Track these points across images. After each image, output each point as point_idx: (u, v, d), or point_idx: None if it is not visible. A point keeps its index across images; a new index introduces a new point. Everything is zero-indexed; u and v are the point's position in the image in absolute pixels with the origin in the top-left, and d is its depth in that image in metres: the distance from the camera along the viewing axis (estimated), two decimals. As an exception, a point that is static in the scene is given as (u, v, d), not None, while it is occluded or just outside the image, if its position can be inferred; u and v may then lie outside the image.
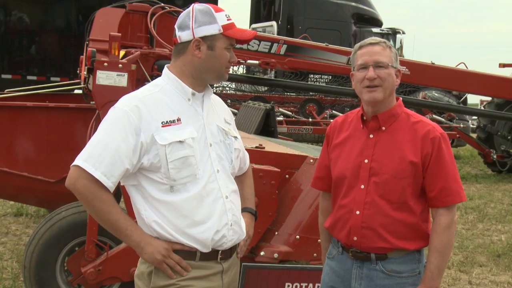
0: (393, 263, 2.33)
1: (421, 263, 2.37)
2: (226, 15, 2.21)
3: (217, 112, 2.34)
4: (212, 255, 2.22)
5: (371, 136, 2.36)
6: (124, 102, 2.16)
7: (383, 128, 2.35)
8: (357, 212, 2.32)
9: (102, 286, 3.85)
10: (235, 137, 2.37)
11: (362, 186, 2.32)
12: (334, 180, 2.44)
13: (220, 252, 2.23)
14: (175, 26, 2.24)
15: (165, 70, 2.28)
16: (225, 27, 2.19)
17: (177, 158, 2.13)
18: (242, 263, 3.50)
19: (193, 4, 2.23)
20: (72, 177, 2.10)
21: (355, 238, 2.33)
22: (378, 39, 2.37)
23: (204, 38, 2.18)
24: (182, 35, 2.20)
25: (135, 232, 2.15)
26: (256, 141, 4.42)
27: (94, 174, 2.07)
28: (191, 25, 2.18)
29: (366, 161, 2.33)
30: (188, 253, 2.18)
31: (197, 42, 2.18)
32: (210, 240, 2.19)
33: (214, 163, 2.22)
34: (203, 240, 2.18)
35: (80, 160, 2.09)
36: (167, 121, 2.15)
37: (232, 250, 2.30)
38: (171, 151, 2.12)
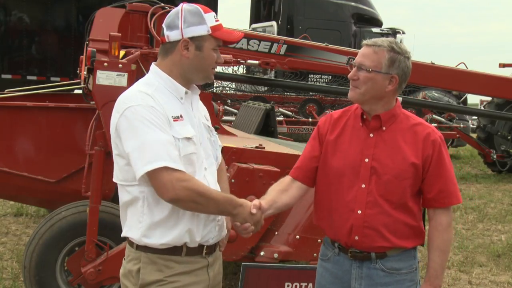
0: (391, 261, 2.35)
1: (416, 259, 2.43)
2: (214, 16, 2.23)
3: (199, 109, 2.36)
4: (198, 250, 2.23)
5: (371, 135, 2.36)
6: (142, 99, 2.11)
7: (384, 128, 2.35)
8: (359, 212, 2.32)
9: (102, 286, 3.85)
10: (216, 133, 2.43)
11: (363, 186, 2.32)
12: (329, 176, 2.40)
13: (205, 247, 2.25)
14: (163, 25, 2.22)
15: (155, 68, 2.25)
16: (213, 28, 2.20)
17: (185, 154, 2.14)
18: (242, 263, 3.51)
19: (182, 4, 2.22)
20: (169, 186, 2.05)
21: (356, 238, 2.33)
22: (378, 41, 2.33)
23: (192, 38, 2.18)
24: (171, 35, 2.19)
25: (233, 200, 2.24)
26: (256, 141, 4.42)
27: (177, 167, 2.06)
28: (180, 25, 2.17)
29: (366, 160, 2.32)
30: (174, 249, 2.18)
31: (185, 42, 2.18)
32: (200, 236, 2.21)
33: (203, 161, 2.24)
34: (192, 236, 2.19)
35: (161, 161, 2.03)
36: (175, 116, 2.15)
37: (215, 244, 2.33)
38: (182, 146, 2.13)
